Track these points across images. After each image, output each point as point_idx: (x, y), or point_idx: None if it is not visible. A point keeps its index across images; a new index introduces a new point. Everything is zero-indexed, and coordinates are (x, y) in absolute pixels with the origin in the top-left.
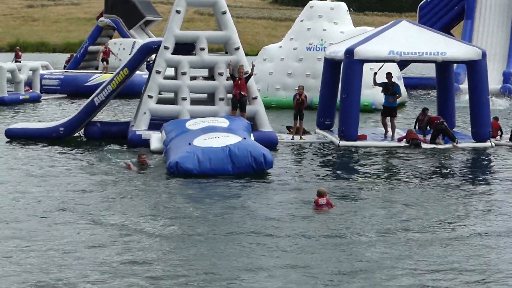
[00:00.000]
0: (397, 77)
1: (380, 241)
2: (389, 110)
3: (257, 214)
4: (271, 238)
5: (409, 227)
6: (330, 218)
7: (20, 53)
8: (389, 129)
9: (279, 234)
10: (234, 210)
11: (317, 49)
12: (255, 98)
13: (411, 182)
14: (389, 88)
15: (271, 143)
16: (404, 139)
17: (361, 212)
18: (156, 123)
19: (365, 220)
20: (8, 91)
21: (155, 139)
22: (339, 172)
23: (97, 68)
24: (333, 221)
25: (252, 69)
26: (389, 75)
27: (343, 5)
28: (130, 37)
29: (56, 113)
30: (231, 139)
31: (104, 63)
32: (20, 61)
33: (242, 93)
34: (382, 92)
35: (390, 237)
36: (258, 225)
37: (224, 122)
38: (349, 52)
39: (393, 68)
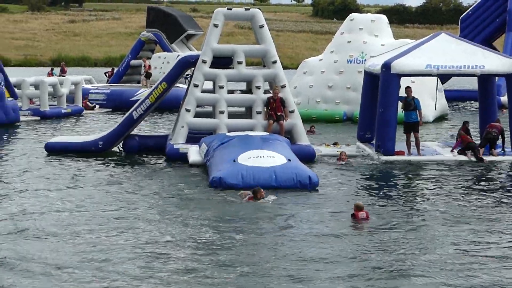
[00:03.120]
0: (438, 89)
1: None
2: (412, 126)
3: (297, 231)
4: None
5: (460, 243)
6: (373, 232)
7: (65, 68)
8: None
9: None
10: (275, 224)
11: (358, 61)
12: (292, 111)
13: (452, 195)
14: (410, 103)
15: (308, 157)
16: (457, 148)
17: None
18: (194, 137)
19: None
20: (50, 105)
21: (193, 153)
22: (376, 186)
23: (139, 82)
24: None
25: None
26: (408, 89)
27: (384, 17)
28: (172, 51)
29: (97, 127)
30: (276, 160)
31: (144, 78)
32: (65, 76)
33: (278, 113)
34: (402, 108)
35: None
36: (296, 246)
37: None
38: (386, 66)
39: (434, 80)
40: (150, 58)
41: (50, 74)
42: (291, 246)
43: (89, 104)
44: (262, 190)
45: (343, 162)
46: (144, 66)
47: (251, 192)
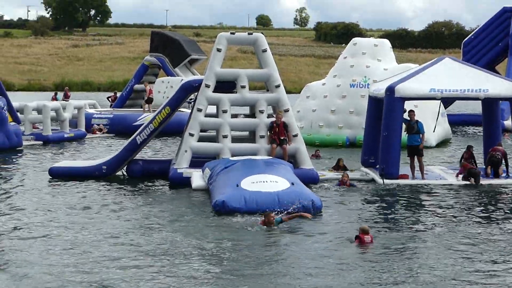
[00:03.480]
0: (441, 113)
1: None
2: (415, 149)
3: (300, 254)
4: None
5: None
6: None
7: (68, 93)
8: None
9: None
10: (278, 247)
11: (361, 86)
12: (296, 135)
13: (457, 220)
14: (413, 126)
15: (312, 180)
16: (461, 174)
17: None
18: (197, 161)
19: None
20: (53, 130)
21: (197, 177)
22: (380, 209)
23: (141, 107)
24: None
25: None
26: (411, 113)
27: (387, 42)
28: (175, 75)
29: (100, 151)
30: (279, 185)
31: (144, 102)
32: (68, 100)
33: (282, 138)
34: (405, 131)
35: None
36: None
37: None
38: (390, 90)
39: (437, 104)
40: (153, 82)
41: (54, 98)
42: (294, 270)
43: (97, 127)
44: (272, 214)
45: (345, 188)
46: (145, 90)
47: (263, 216)
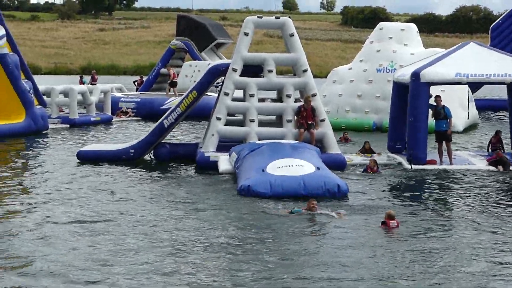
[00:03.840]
0: (469, 98)
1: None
2: (443, 135)
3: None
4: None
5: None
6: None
7: (96, 76)
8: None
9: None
10: (305, 231)
11: (387, 70)
12: (323, 120)
13: (485, 205)
14: (440, 112)
15: (339, 166)
16: (493, 160)
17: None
18: (224, 145)
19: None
20: (79, 113)
21: (224, 161)
22: (407, 195)
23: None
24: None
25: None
26: (438, 98)
27: (413, 26)
28: (201, 60)
29: (126, 134)
30: (305, 169)
31: (168, 86)
32: (96, 84)
33: (309, 122)
34: (432, 116)
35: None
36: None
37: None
38: (415, 75)
39: (463, 90)
40: (180, 66)
41: (81, 82)
42: (323, 253)
43: (124, 110)
44: (314, 201)
45: (373, 173)
46: (171, 76)
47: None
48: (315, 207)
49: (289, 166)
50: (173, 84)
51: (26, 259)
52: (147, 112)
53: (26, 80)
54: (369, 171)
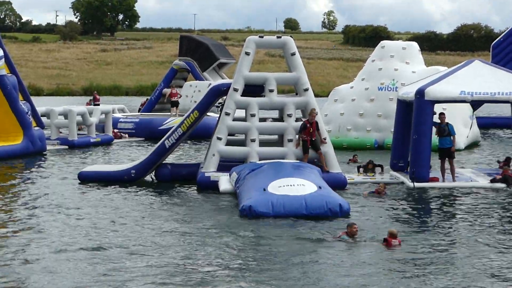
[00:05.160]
0: (469, 117)
1: None
2: (446, 152)
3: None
4: None
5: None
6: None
7: (98, 97)
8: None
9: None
10: (305, 250)
11: (389, 89)
12: (324, 139)
13: (488, 224)
14: (444, 129)
15: (340, 185)
16: (500, 177)
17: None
18: (225, 165)
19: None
20: (79, 134)
21: (224, 181)
22: (410, 213)
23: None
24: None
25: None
26: (442, 116)
27: (415, 44)
28: (204, 80)
29: (127, 156)
30: (307, 188)
31: (173, 107)
32: (98, 104)
33: (313, 139)
34: (435, 134)
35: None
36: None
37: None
38: (420, 92)
39: (465, 108)
40: (181, 86)
41: (89, 104)
42: (324, 270)
43: (118, 134)
44: (355, 225)
45: (380, 197)
46: (167, 94)
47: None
48: (356, 230)
49: (290, 185)
50: (175, 104)
51: (23, 284)
52: (146, 132)
53: (24, 102)
54: (377, 193)
